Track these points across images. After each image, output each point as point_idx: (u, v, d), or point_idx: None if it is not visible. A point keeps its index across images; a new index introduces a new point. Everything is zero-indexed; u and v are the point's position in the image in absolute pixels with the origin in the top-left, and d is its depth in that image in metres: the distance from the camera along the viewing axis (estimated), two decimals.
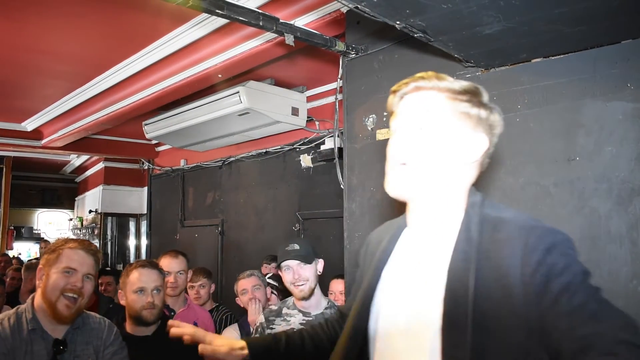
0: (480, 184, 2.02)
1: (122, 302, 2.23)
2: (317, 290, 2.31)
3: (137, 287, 2.17)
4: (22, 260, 6.20)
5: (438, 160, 1.03)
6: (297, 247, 2.29)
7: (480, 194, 1.11)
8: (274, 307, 2.38)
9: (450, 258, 1.01)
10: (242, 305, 2.90)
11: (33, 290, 1.89)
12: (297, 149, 4.47)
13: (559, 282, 0.90)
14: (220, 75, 3.35)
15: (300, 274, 2.24)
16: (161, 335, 2.17)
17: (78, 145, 5.72)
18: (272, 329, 2.27)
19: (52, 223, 10.04)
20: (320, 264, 2.36)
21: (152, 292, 2.17)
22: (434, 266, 1.04)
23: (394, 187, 1.04)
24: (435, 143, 1.03)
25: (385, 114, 2.39)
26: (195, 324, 2.41)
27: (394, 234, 1.16)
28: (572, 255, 0.95)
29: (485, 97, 1.09)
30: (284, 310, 2.32)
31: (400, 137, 1.05)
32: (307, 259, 2.26)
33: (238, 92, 3.72)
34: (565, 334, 0.87)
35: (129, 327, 2.21)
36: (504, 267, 0.95)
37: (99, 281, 3.82)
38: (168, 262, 2.88)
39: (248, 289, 2.87)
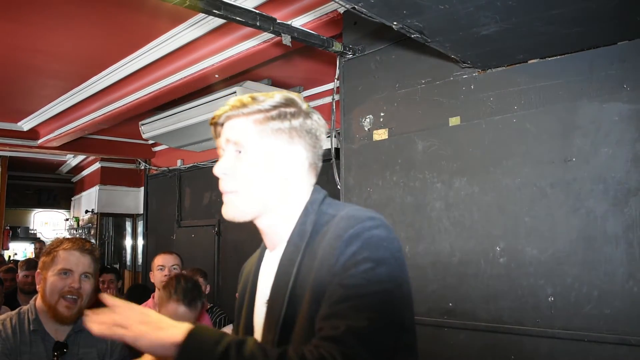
0: (479, 184, 2.03)
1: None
2: None
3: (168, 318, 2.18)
4: (17, 261, 6.14)
5: (261, 183, 1.07)
6: None
7: (324, 192, 1.12)
8: None
9: (282, 252, 1.06)
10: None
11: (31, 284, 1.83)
12: None
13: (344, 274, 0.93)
14: (217, 76, 3.35)
15: None
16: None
17: (74, 145, 5.69)
18: None
19: (48, 223, 10.00)
20: None
21: None
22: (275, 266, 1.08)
23: (226, 213, 1.10)
24: (252, 168, 1.07)
25: (382, 114, 2.39)
26: None
27: (259, 257, 1.19)
28: (370, 246, 0.95)
29: (301, 105, 1.11)
30: None
31: (223, 165, 1.09)
32: None
33: (235, 92, 3.71)
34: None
35: None
36: (320, 258, 0.97)
37: (100, 279, 3.75)
38: (163, 258, 3.12)
39: None
